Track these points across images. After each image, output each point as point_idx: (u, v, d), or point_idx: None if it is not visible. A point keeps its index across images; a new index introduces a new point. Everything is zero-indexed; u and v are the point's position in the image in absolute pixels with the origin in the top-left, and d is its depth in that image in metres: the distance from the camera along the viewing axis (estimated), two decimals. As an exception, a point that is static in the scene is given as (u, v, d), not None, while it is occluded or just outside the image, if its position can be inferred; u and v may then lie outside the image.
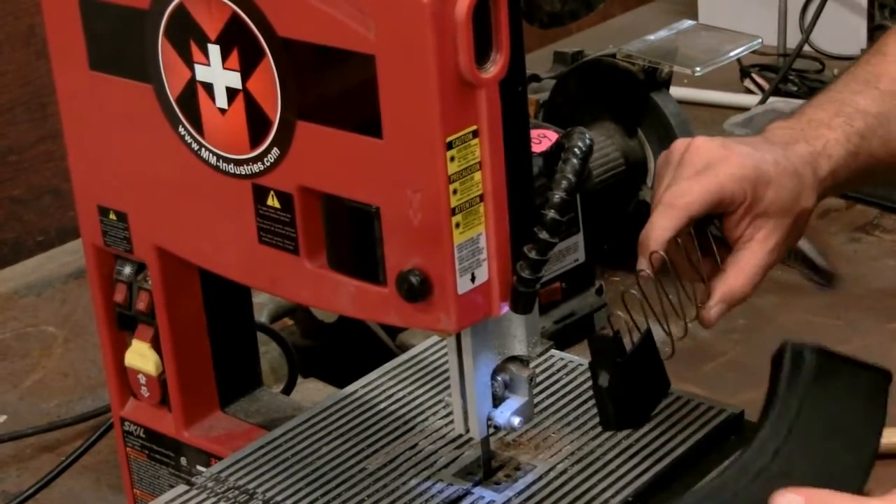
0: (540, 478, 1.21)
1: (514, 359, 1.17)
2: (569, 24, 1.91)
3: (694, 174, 1.22)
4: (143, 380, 1.38)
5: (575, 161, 1.09)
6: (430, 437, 1.28)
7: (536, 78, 2.10)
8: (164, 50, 1.18)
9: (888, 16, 2.21)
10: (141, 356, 1.37)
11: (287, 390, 1.61)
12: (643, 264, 1.21)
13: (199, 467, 1.36)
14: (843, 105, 1.32)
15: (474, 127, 1.05)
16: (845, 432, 1.11)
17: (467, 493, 1.21)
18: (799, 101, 2.30)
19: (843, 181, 1.30)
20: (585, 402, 1.31)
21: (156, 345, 1.35)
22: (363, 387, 1.37)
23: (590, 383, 1.34)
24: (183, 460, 1.38)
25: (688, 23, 2.07)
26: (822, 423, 1.10)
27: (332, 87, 1.09)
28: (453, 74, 1.03)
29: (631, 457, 1.23)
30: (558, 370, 1.36)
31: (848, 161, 1.28)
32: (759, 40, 2.05)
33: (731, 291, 1.22)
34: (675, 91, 2.03)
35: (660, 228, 1.20)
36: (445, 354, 1.30)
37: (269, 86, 1.12)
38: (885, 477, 1.15)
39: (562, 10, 1.84)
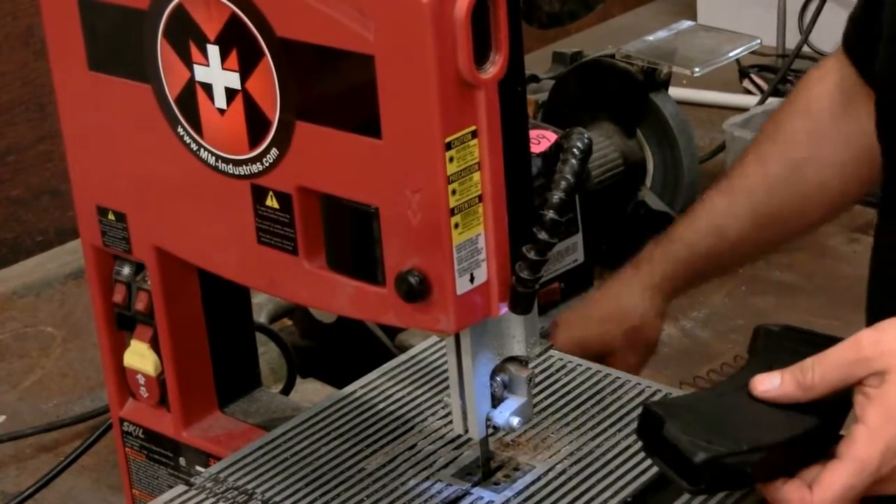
0: (539, 478, 1.21)
1: (512, 359, 1.17)
2: (568, 25, 1.92)
3: None
4: (141, 380, 1.38)
5: (574, 161, 1.09)
6: (429, 438, 1.28)
7: (535, 78, 2.10)
8: (163, 50, 1.18)
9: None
10: (140, 356, 1.37)
11: (286, 391, 1.61)
12: None
13: (198, 467, 1.36)
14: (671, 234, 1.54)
15: (473, 127, 1.05)
16: None
17: (466, 493, 1.21)
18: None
19: (697, 272, 1.53)
20: (584, 402, 1.31)
21: (155, 345, 1.35)
22: (362, 387, 1.37)
23: (588, 383, 1.34)
24: (182, 460, 1.38)
25: (687, 23, 2.08)
26: None
27: (331, 87, 1.09)
28: (452, 75, 1.03)
29: (629, 457, 1.23)
30: (557, 370, 1.36)
31: (677, 268, 1.51)
32: (758, 41, 2.05)
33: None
34: (674, 91, 2.03)
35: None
36: (444, 355, 1.30)
37: (268, 86, 1.12)
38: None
39: (561, 10, 1.85)
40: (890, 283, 1.35)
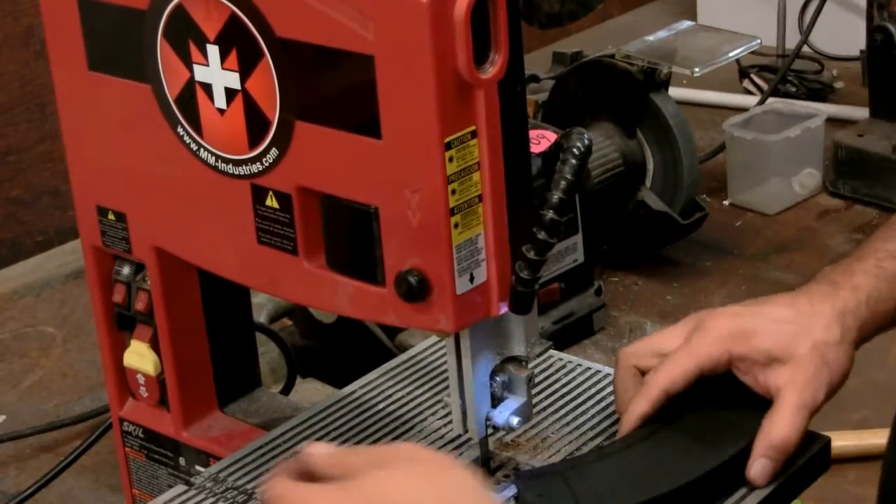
0: (538, 478, 1.21)
1: (512, 359, 1.17)
2: (568, 25, 1.91)
3: (675, 351, 1.21)
4: (141, 380, 1.38)
5: (573, 161, 1.09)
6: (429, 438, 1.28)
7: (535, 78, 2.10)
8: (162, 50, 1.18)
9: (887, 17, 2.21)
10: (140, 356, 1.37)
11: (286, 390, 1.61)
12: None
13: (198, 467, 1.36)
14: (873, 243, 1.28)
15: (473, 127, 1.05)
16: None
17: (466, 493, 1.21)
18: (798, 102, 2.31)
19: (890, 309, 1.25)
20: (584, 402, 1.31)
21: (154, 345, 1.35)
22: (362, 387, 1.37)
23: (588, 383, 1.34)
24: (181, 460, 1.38)
25: (687, 23, 2.07)
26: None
27: (330, 87, 1.09)
28: (452, 75, 1.03)
29: (629, 457, 1.23)
30: (557, 370, 1.36)
31: (883, 289, 1.24)
32: (758, 41, 2.05)
33: (768, 442, 1.16)
34: (674, 91, 2.03)
35: (632, 412, 1.20)
36: (444, 355, 1.29)
37: (267, 86, 1.12)
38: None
39: (561, 10, 1.84)
40: None
